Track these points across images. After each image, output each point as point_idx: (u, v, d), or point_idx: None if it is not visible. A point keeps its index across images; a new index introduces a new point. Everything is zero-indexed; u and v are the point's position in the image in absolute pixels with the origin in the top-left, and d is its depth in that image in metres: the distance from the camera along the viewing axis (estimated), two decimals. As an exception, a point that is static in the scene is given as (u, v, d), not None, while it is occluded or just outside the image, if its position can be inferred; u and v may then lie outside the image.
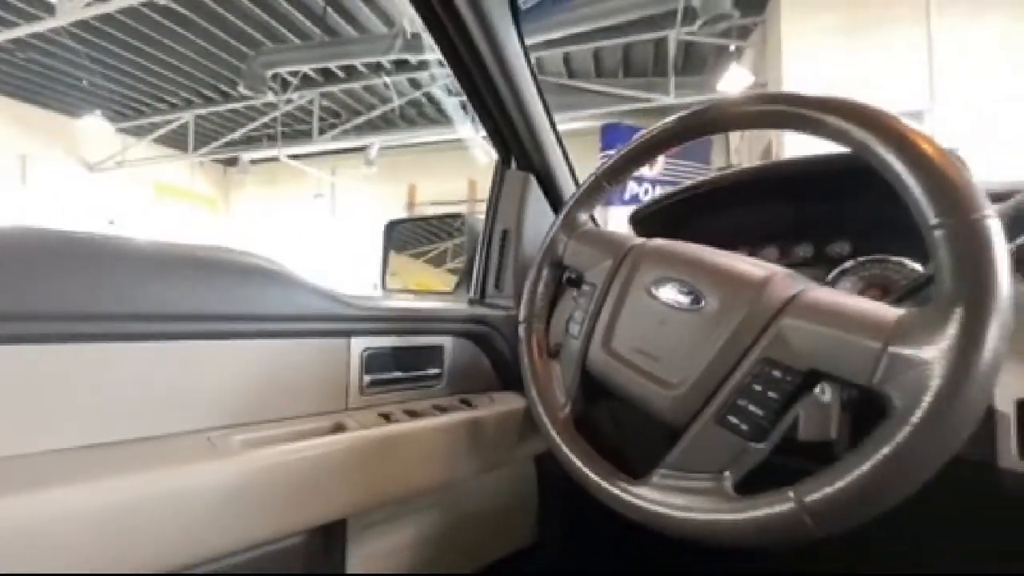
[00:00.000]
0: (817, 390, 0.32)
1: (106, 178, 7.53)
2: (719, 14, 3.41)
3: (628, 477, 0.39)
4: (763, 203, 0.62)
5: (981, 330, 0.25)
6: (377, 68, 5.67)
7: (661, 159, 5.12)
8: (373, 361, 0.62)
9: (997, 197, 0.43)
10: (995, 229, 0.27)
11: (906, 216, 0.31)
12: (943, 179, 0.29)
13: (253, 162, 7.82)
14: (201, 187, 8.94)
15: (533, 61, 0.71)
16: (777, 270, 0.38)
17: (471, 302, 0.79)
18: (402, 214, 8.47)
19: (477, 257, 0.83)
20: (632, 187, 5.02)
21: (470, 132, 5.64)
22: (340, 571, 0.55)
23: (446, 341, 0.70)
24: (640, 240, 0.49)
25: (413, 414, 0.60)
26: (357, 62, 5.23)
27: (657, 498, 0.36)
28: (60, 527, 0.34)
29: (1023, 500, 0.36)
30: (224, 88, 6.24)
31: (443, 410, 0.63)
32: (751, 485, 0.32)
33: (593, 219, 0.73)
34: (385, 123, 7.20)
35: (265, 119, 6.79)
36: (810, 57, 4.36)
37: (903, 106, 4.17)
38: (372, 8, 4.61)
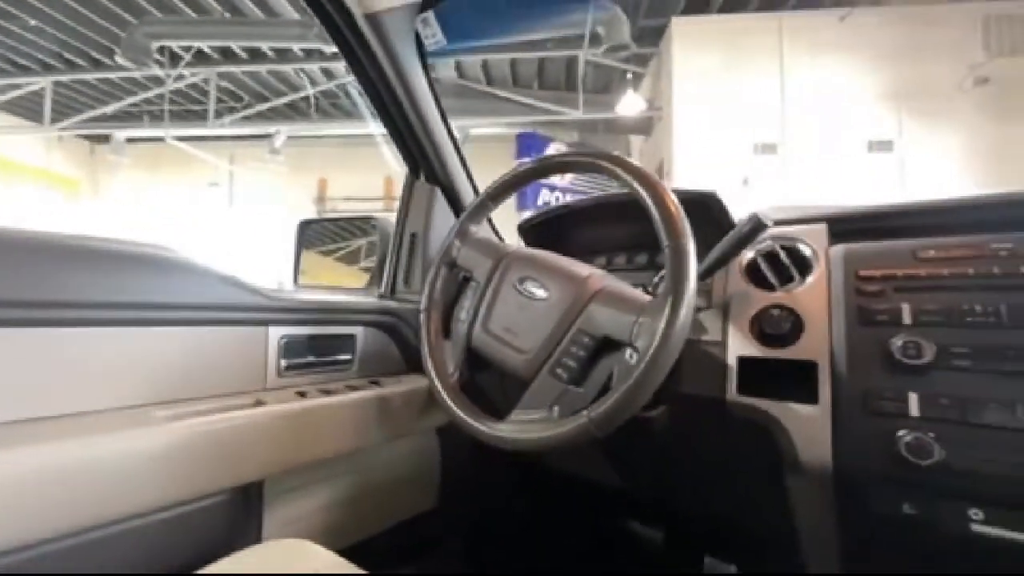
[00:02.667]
0: (627, 355, 0.49)
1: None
2: (620, 44, 3.80)
3: (494, 419, 0.53)
4: (607, 223, 0.81)
5: (676, 312, 0.43)
6: (286, 54, 5.36)
7: (580, 148, 5.54)
8: (290, 347, 0.70)
9: (780, 222, 0.65)
10: (690, 250, 0.45)
11: None
12: (668, 215, 0.47)
13: (130, 141, 6.87)
14: (59, 167, 7.63)
15: (438, 91, 0.83)
16: (595, 272, 0.56)
17: (382, 296, 0.90)
18: (311, 208, 8.01)
19: (388, 257, 0.93)
20: (544, 195, 5.35)
21: (372, 127, 5.55)
22: (257, 530, 0.63)
23: (358, 331, 0.80)
24: (512, 248, 0.64)
25: (327, 392, 0.70)
26: (264, 45, 4.89)
27: (511, 428, 0.51)
28: (12, 484, 0.40)
29: (741, 416, 0.57)
30: (95, 55, 5.44)
31: (354, 389, 0.73)
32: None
33: (491, 222, 0.88)
34: (295, 112, 6.79)
35: (148, 94, 6.02)
36: (696, 88, 5.03)
37: (761, 139, 5.00)
38: (283, -9, 4.38)
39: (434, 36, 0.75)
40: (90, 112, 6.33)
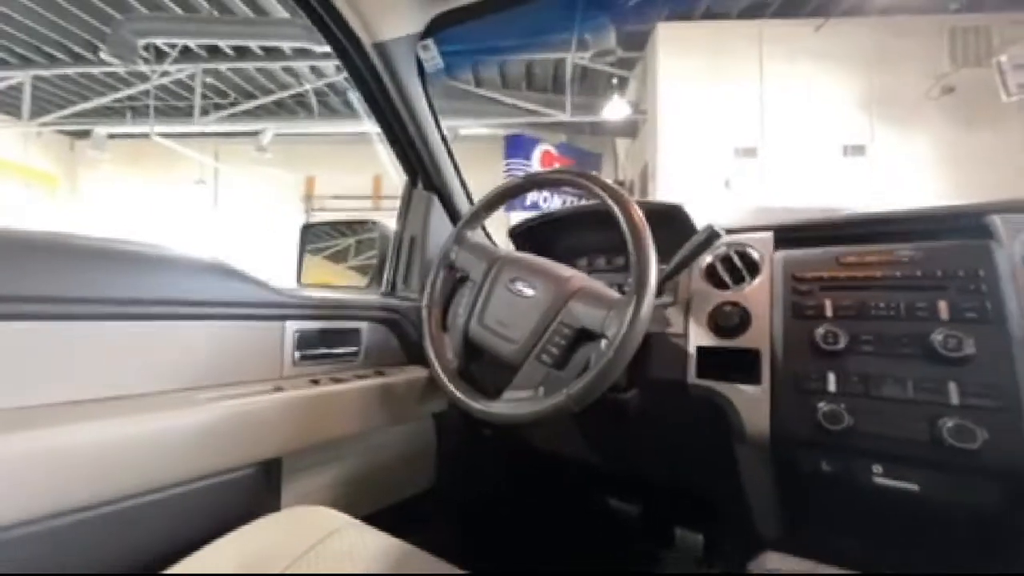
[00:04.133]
0: (601, 344, 0.58)
1: None
2: (606, 49, 3.92)
3: (488, 399, 0.62)
4: (589, 230, 0.91)
5: (639, 307, 0.53)
6: (274, 51, 5.35)
7: (562, 166, 5.68)
8: (303, 340, 0.78)
9: (732, 231, 0.75)
10: (651, 257, 0.55)
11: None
12: (634, 227, 0.57)
13: (112, 137, 6.77)
14: (37, 163, 7.46)
15: (435, 108, 0.92)
16: (575, 273, 0.65)
17: (384, 294, 0.98)
18: (299, 207, 7.99)
19: (388, 258, 1.02)
20: (532, 195, 5.45)
21: (374, 126, 5.58)
22: (276, 502, 0.71)
23: (363, 325, 0.88)
24: (504, 252, 0.73)
25: (337, 380, 0.78)
26: (253, 43, 4.89)
27: (503, 406, 0.60)
28: (79, 452, 0.48)
29: (699, 396, 0.67)
30: (77, 49, 5.36)
31: (361, 377, 0.82)
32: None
33: (485, 229, 0.97)
34: (283, 109, 6.76)
35: (131, 90, 5.95)
36: (680, 93, 5.17)
37: (742, 143, 5.17)
38: (273, -10, 4.38)
39: (433, 59, 0.83)
40: (71, 108, 6.23)
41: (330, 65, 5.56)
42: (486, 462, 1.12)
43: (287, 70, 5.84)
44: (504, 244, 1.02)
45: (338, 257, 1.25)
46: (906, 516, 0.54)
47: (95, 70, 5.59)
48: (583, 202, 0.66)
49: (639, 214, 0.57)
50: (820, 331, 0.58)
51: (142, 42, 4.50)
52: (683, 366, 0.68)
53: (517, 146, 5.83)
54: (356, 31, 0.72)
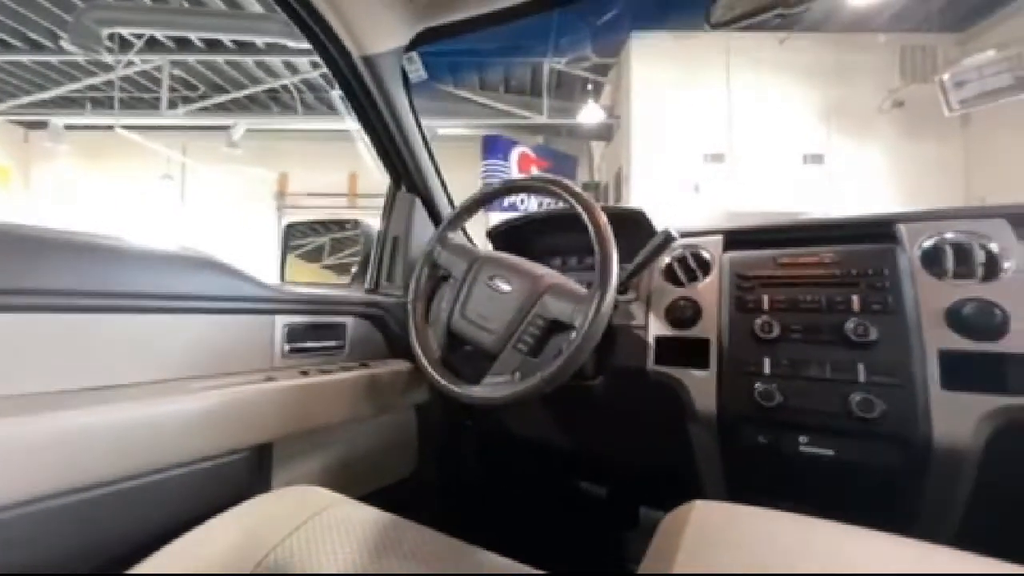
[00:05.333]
0: (572, 334, 0.65)
1: None
2: (581, 55, 4.03)
3: (469, 384, 0.68)
4: (562, 231, 0.98)
5: (602, 301, 0.60)
6: (247, 45, 5.25)
7: (535, 173, 5.77)
8: (292, 333, 0.82)
9: (687, 234, 0.84)
10: (613, 257, 0.62)
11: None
12: (599, 230, 0.64)
13: (71, 128, 6.46)
14: (-12, 153, 7.06)
15: (419, 115, 0.97)
16: (548, 271, 0.72)
17: (368, 291, 1.03)
18: (271, 204, 7.82)
19: (372, 257, 1.06)
20: (510, 197, 5.52)
21: (353, 124, 5.55)
22: (267, 485, 0.75)
23: (348, 320, 0.93)
24: (483, 252, 0.80)
25: (325, 371, 0.83)
26: (225, 37, 4.78)
27: (483, 389, 0.66)
28: (81, 435, 0.51)
29: (657, 381, 0.75)
30: (35, 36, 5.11)
31: (347, 369, 0.86)
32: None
33: (466, 234, 1.03)
34: (255, 104, 6.62)
35: (93, 80, 5.72)
36: (652, 100, 5.35)
37: (711, 149, 5.39)
38: (246, -17, 4.31)
39: (417, 71, 0.89)
40: (27, 97, 5.93)
41: (305, 61, 5.49)
42: (464, 450, 1.18)
43: (260, 64, 5.73)
44: (482, 244, 1.09)
45: (314, 256, 1.28)
46: (827, 478, 0.63)
47: (53, 59, 5.35)
48: (558, 204, 0.73)
49: (604, 219, 0.65)
50: (758, 322, 0.67)
51: (106, 31, 4.34)
52: (643, 354, 0.76)
53: (495, 147, 5.89)
54: (346, 45, 0.78)
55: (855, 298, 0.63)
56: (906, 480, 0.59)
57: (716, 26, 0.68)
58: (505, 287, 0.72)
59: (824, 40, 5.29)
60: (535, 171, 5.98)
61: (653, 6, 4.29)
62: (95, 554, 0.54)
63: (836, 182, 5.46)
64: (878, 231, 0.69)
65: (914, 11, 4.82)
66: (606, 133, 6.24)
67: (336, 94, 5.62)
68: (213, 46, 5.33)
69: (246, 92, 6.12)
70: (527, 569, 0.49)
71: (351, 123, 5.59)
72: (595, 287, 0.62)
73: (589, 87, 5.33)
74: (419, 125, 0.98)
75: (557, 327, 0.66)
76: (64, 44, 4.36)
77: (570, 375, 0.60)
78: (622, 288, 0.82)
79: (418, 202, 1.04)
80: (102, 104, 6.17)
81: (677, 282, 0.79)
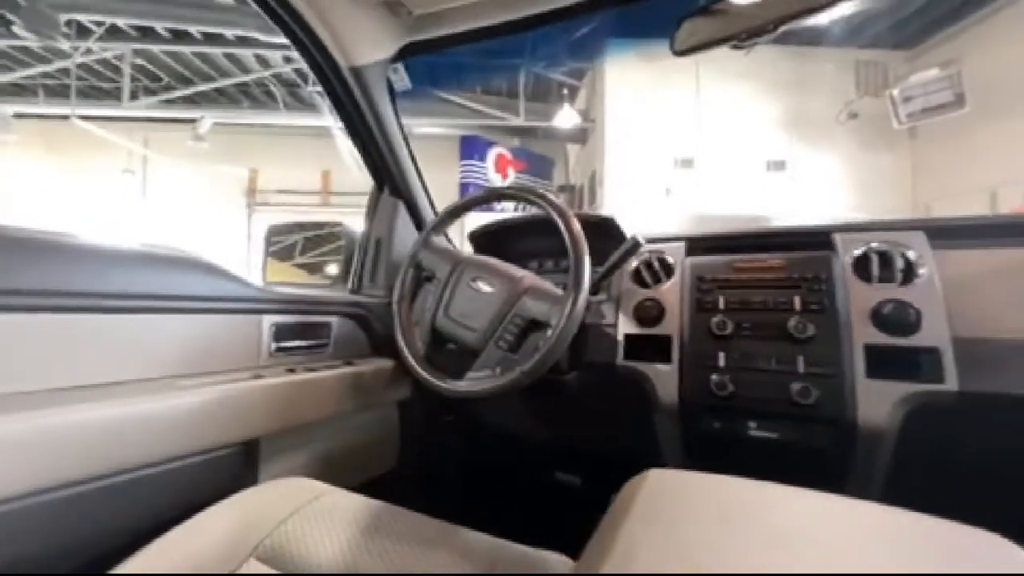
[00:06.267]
0: (548, 332, 0.71)
1: None
2: (558, 63, 4.11)
3: (453, 379, 0.73)
4: (539, 236, 1.04)
5: (576, 302, 0.66)
6: (216, 37, 5.09)
7: (512, 174, 5.85)
8: (279, 333, 0.85)
9: (653, 240, 0.91)
10: (586, 261, 0.68)
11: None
12: (573, 236, 0.70)
13: (20, 117, 6.09)
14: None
15: (402, 123, 1.01)
16: (527, 274, 0.78)
17: (352, 291, 1.06)
18: (241, 201, 7.60)
19: (355, 258, 1.10)
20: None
21: (329, 121, 5.48)
22: (254, 480, 0.78)
23: (333, 320, 0.96)
24: (466, 255, 0.85)
25: (311, 369, 0.86)
26: (192, 28, 4.63)
27: (467, 384, 0.71)
28: (75, 432, 0.53)
29: (625, 375, 0.82)
30: (-19, 19, 4.81)
31: (332, 367, 0.90)
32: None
33: (447, 237, 1.07)
34: (224, 97, 6.42)
35: (47, 68, 5.42)
36: (626, 107, 5.50)
37: (681, 154, 5.58)
38: (214, -27, 4.19)
39: (401, 81, 0.93)
40: (-29, 83, 5.57)
41: (278, 55, 5.37)
42: (445, 444, 1.22)
43: (230, 57, 5.57)
44: (460, 245, 1.14)
45: (285, 254, 1.29)
46: (772, 457, 0.71)
47: (2, 43, 5.04)
48: (535, 210, 0.78)
49: (577, 226, 0.71)
50: (715, 320, 0.75)
51: (64, 17, 4.14)
52: (613, 350, 0.83)
53: (472, 147, 5.93)
54: (335, 56, 0.81)
55: (797, 299, 0.71)
56: (837, 456, 0.68)
57: (679, 53, 0.75)
58: (486, 288, 0.77)
59: (787, 53, 5.56)
60: (512, 172, 6.05)
61: (627, 22, 4.44)
62: (87, 549, 0.56)
63: (797, 188, 5.75)
64: (818, 240, 0.77)
65: (867, 28, 5.13)
66: (581, 136, 6.37)
67: (311, 90, 5.52)
68: (180, 36, 5.15)
69: (214, 85, 5.93)
70: (515, 546, 0.54)
71: (325, 119, 5.52)
72: (569, 289, 0.68)
73: (565, 91, 5.43)
74: (403, 132, 1.02)
75: (535, 325, 0.72)
76: (17, 29, 4.12)
77: (547, 370, 0.66)
78: (594, 289, 0.89)
79: (401, 206, 1.08)
80: (57, 93, 5.85)
81: (644, 284, 0.86)
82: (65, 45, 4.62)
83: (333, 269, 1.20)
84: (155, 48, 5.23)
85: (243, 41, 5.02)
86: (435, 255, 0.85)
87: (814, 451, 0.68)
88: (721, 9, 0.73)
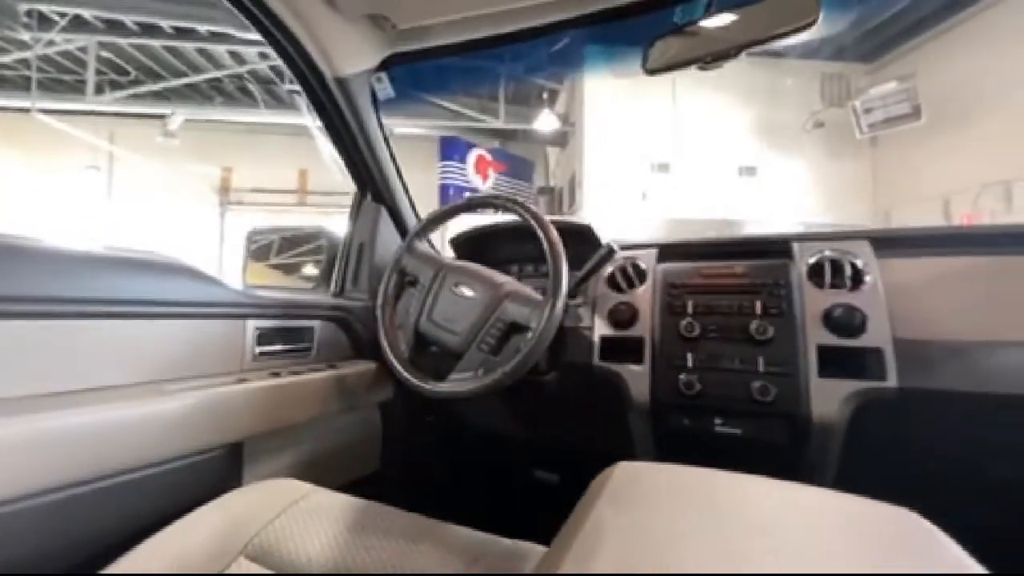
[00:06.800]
0: (527, 335, 0.74)
1: None
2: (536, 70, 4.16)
3: (436, 380, 0.76)
4: (519, 242, 1.08)
5: (554, 306, 0.70)
6: (187, 31, 4.96)
7: (492, 176, 5.89)
8: (263, 337, 0.86)
9: (627, 247, 0.96)
10: (564, 268, 0.72)
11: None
12: (552, 244, 0.74)
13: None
14: None
15: (386, 131, 1.03)
16: (507, 279, 0.81)
17: (334, 295, 1.07)
18: (213, 200, 7.40)
19: (338, 263, 1.11)
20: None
21: (307, 120, 5.39)
22: (238, 482, 0.79)
23: (316, 324, 0.97)
24: (449, 260, 0.88)
25: (295, 372, 0.87)
26: (163, 22, 4.50)
27: (450, 385, 0.74)
28: (65, 436, 0.54)
29: (601, 375, 0.86)
30: (-69, 6, 4.55)
31: (315, 370, 0.91)
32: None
33: (429, 241, 1.10)
34: (196, 93, 6.24)
35: (4, 58, 5.17)
36: (605, 111, 5.61)
37: (657, 159, 5.72)
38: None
39: (384, 90, 0.95)
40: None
41: (253, 51, 5.27)
42: (426, 444, 1.25)
43: (202, 52, 5.43)
44: (440, 247, 1.16)
45: (260, 255, 1.29)
46: (737, 453, 0.77)
47: (-46, 31, 4.79)
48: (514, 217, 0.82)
49: (555, 235, 0.75)
50: (684, 323, 0.80)
51: (25, 6, 3.97)
52: (590, 352, 0.87)
53: (452, 148, 5.93)
54: (320, 67, 0.83)
55: (758, 303, 0.77)
56: (793, 449, 0.73)
57: (650, 72, 0.80)
58: (469, 293, 0.80)
59: (758, 64, 5.77)
60: (492, 174, 6.08)
61: (605, 35, 4.54)
62: (74, 552, 0.56)
63: (767, 193, 5.97)
64: (777, 248, 0.83)
65: (832, 42, 5.37)
66: (561, 139, 6.45)
67: (288, 88, 5.42)
68: (149, 30, 4.99)
69: (186, 81, 5.77)
70: (498, 539, 0.57)
71: (302, 118, 5.43)
72: (549, 294, 0.71)
73: (545, 95, 5.50)
74: (386, 139, 1.04)
75: (516, 328, 0.75)
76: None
77: (527, 371, 0.70)
78: (571, 293, 0.93)
79: (383, 211, 1.10)
80: (17, 85, 5.59)
81: (618, 289, 0.90)
82: (26, 36, 4.42)
83: (310, 270, 1.21)
84: (122, 41, 5.05)
85: (217, 36, 4.91)
86: (419, 260, 0.87)
87: (773, 445, 0.74)
88: (691, 31, 0.78)
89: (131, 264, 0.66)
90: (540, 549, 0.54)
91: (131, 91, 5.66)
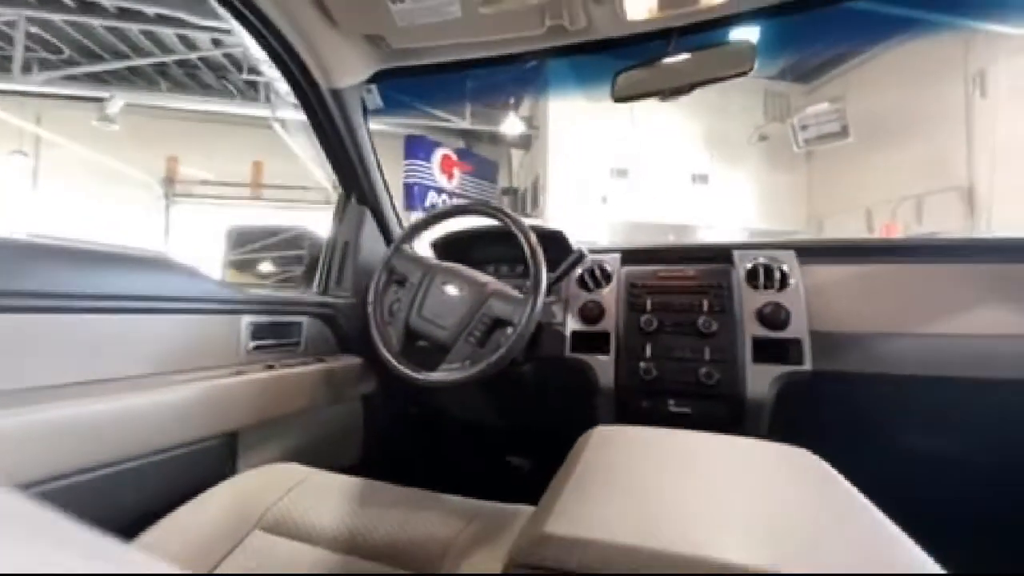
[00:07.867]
0: (509, 330, 0.84)
1: None
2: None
3: (427, 371, 0.84)
4: (498, 244, 1.17)
5: (534, 304, 0.80)
6: (132, 11, 4.66)
7: (458, 176, 5.93)
8: (256, 331, 0.90)
9: (595, 251, 1.07)
10: (543, 270, 0.83)
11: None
12: (531, 248, 0.83)
13: None
14: None
15: (373, 139, 1.09)
16: (491, 279, 0.91)
17: (320, 292, 1.12)
18: (157, 191, 6.97)
19: (321, 262, 1.15)
20: (432, 197, 5.60)
21: (265, 111, 5.20)
22: (233, 470, 0.83)
23: (304, 319, 1.02)
24: (436, 261, 0.95)
25: (288, 365, 0.92)
26: (107, 1, 4.21)
27: (440, 375, 0.82)
28: (71, 426, 0.57)
29: (572, 366, 0.97)
30: None
31: (305, 364, 0.96)
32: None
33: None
34: (140, 77, 5.86)
35: (-88, 28, 4.65)
36: (567, 118, 5.79)
37: (616, 165, 5.98)
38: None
39: (375, 101, 1.02)
40: None
41: (205, 37, 5.02)
42: (408, 435, 1.31)
43: (148, 34, 5.11)
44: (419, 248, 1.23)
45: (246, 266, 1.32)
46: (687, 428, 0.90)
47: None
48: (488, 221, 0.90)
49: (535, 239, 0.84)
50: (643, 319, 0.92)
51: (-59, -26, 3.60)
52: (562, 345, 0.98)
53: (417, 147, 5.91)
54: (317, 79, 0.88)
55: (705, 302, 0.91)
56: (732, 423, 0.87)
57: (617, 100, 0.91)
58: (455, 291, 0.88)
59: (709, 77, 6.14)
60: (458, 173, 6.12)
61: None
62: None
63: (718, 199, 6.39)
64: (722, 255, 0.98)
65: (774, 62, 5.83)
66: (525, 142, 6.59)
67: (244, 78, 5.22)
68: (89, 7, 4.65)
69: (128, 63, 5.40)
70: (489, 503, 0.65)
71: (261, 109, 5.24)
72: (529, 292, 0.81)
73: (511, 100, 5.62)
74: (372, 146, 1.10)
75: (500, 323, 0.85)
76: None
77: (510, 361, 0.79)
78: (548, 292, 1.03)
79: (367, 213, 1.16)
80: (-76, 58, 5.03)
81: (587, 288, 1.02)
82: (-59, 5, 4.01)
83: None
84: (56, 17, 4.68)
85: (164, 18, 4.65)
86: (407, 261, 0.94)
87: (717, 420, 0.87)
88: (652, 67, 0.90)
89: (136, 262, 0.70)
90: (529, 509, 0.63)
91: (65, 72, 5.24)
